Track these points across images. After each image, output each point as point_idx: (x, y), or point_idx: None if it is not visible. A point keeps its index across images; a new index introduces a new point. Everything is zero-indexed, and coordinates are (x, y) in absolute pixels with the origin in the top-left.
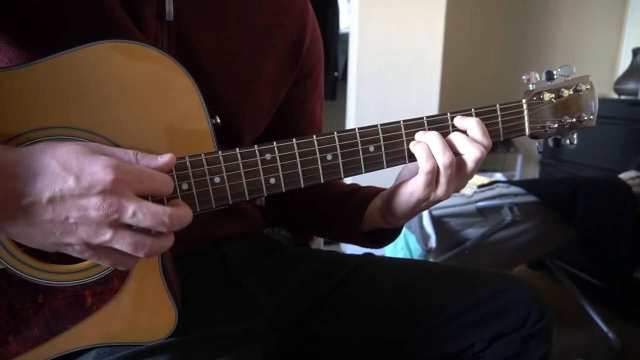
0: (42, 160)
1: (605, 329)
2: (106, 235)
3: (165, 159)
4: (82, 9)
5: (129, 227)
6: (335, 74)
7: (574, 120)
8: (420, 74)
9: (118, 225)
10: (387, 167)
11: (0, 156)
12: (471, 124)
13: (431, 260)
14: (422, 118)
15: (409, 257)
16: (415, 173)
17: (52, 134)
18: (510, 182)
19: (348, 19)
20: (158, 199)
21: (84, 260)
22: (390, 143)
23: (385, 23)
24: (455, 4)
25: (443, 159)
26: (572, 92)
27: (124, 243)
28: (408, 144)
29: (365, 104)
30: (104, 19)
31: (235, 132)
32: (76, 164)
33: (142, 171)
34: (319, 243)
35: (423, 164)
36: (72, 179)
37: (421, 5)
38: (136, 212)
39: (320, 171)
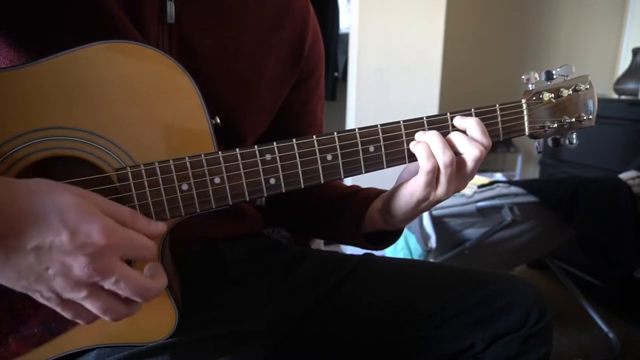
0: (41, 206)
1: (605, 329)
2: (81, 294)
3: (158, 228)
4: (82, 11)
5: (103, 289)
6: (335, 74)
7: (573, 120)
8: (420, 74)
9: (96, 286)
10: (387, 167)
11: None
12: (471, 124)
13: (431, 260)
14: (422, 118)
15: (409, 257)
16: (416, 173)
17: (51, 135)
18: (510, 182)
19: (348, 19)
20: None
21: None
22: (390, 143)
23: (385, 23)
24: (455, 4)
25: (443, 158)
26: (571, 91)
27: (94, 305)
28: (408, 144)
29: (365, 104)
30: (104, 21)
31: (237, 132)
32: (74, 219)
33: (133, 240)
34: (319, 243)
35: (423, 163)
36: (65, 234)
37: (421, 5)
38: (119, 280)
39: (320, 171)
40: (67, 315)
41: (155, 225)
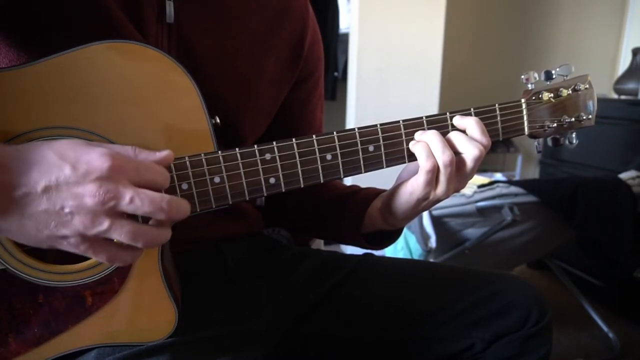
0: (39, 152)
1: (605, 329)
2: (103, 225)
3: (163, 154)
4: (81, 11)
5: (125, 215)
6: (335, 74)
7: (573, 119)
8: (420, 74)
9: (115, 213)
10: (387, 166)
11: None
12: (470, 123)
13: (431, 260)
14: (421, 118)
15: (409, 257)
16: (415, 173)
17: (51, 134)
18: (510, 182)
19: (348, 19)
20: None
21: (83, 259)
22: (390, 143)
23: (385, 23)
24: (455, 4)
25: (443, 157)
26: (570, 91)
27: (122, 232)
28: (408, 144)
29: (365, 104)
30: (104, 21)
31: (236, 133)
32: (72, 153)
33: (139, 161)
34: (319, 243)
35: (423, 163)
36: (68, 168)
37: (421, 5)
38: (134, 197)
39: (320, 171)
40: (102, 258)
41: (160, 152)
